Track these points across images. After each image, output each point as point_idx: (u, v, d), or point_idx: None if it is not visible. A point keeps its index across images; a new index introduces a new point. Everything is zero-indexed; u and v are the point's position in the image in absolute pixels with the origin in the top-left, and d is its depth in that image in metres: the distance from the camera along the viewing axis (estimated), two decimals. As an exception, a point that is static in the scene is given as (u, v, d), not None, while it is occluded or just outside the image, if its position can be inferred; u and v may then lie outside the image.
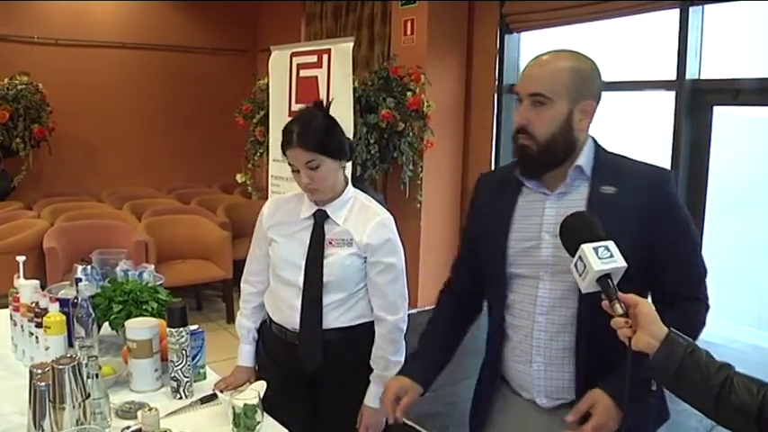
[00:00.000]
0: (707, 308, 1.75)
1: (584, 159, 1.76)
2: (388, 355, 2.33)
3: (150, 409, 1.85)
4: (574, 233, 1.58)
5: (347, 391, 2.39)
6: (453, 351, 2.10)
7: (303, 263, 2.30)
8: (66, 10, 7.67)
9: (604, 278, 1.48)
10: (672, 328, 1.43)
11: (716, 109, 4.24)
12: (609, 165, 1.77)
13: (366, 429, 2.36)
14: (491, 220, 1.87)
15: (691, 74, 4.27)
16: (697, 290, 1.75)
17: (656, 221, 1.69)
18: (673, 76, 4.32)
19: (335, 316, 2.32)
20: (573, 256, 1.55)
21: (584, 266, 1.50)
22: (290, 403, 2.36)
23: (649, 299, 1.74)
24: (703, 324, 1.73)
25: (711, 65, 4.29)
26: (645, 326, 1.42)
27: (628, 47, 4.89)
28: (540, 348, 1.78)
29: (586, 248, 1.50)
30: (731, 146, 4.40)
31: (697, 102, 4.28)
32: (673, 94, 4.33)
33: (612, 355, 1.46)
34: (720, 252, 4.19)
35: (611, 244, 1.52)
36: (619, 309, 1.46)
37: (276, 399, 2.22)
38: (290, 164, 2.26)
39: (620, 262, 1.49)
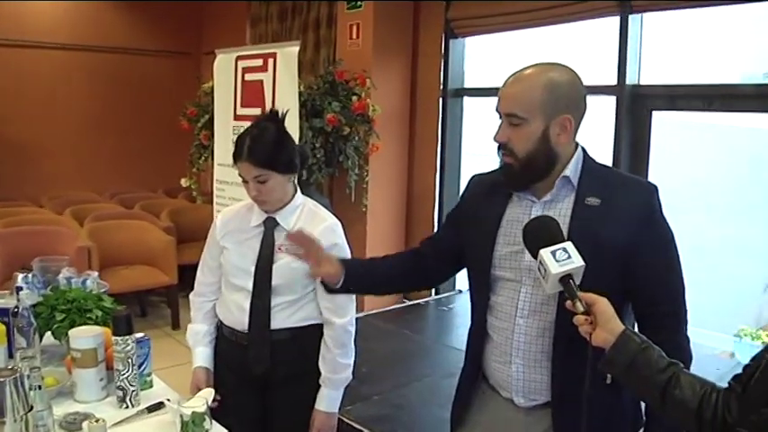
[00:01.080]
0: (686, 322, 1.78)
1: (572, 170, 1.79)
2: (336, 358, 2.36)
3: (96, 420, 1.83)
4: (534, 238, 1.63)
5: (295, 393, 2.40)
6: (384, 284, 2.16)
7: (253, 269, 2.33)
8: (1, 9, 7.45)
9: (566, 278, 1.54)
10: (628, 327, 1.49)
11: (654, 114, 4.35)
12: (595, 176, 1.81)
13: None
14: (480, 223, 1.91)
15: (631, 79, 4.38)
16: (676, 304, 1.78)
17: (638, 234, 1.72)
18: (613, 81, 4.42)
19: (284, 317, 2.35)
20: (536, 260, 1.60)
21: (545, 270, 1.56)
22: (241, 408, 2.37)
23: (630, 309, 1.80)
24: (687, 339, 1.77)
25: (650, 71, 4.40)
26: (603, 323, 1.49)
27: (570, 52, 4.97)
28: (520, 350, 1.82)
29: (544, 253, 1.56)
30: (669, 149, 4.51)
31: (637, 106, 4.39)
32: (614, 98, 4.44)
33: (586, 360, 1.52)
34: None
35: (568, 245, 1.57)
36: (580, 307, 1.51)
37: (227, 403, 2.23)
38: (239, 174, 2.29)
39: (577, 262, 1.54)
